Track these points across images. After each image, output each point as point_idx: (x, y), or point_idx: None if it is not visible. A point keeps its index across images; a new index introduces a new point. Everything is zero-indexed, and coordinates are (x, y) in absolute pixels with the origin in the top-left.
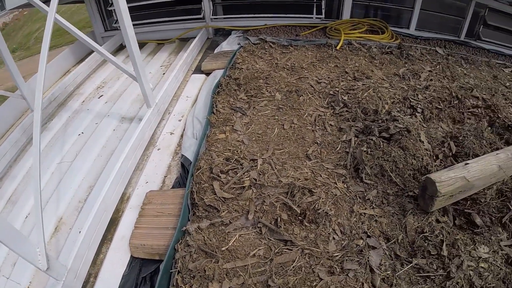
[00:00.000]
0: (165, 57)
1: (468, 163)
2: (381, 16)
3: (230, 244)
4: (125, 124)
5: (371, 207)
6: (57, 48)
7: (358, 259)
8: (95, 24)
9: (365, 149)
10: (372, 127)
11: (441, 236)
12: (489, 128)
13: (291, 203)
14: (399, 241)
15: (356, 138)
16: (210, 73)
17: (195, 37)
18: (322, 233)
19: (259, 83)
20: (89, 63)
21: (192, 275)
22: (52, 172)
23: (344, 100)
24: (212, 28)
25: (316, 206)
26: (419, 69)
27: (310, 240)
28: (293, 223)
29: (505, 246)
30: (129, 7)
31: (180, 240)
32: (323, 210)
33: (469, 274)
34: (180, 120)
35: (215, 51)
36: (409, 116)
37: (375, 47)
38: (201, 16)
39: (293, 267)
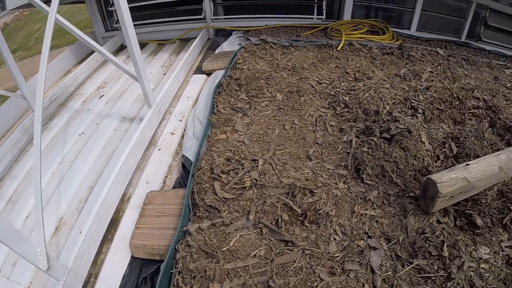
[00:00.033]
0: (166, 58)
1: (469, 164)
2: (382, 17)
3: (231, 244)
4: (125, 124)
5: (372, 207)
6: (57, 48)
7: (359, 260)
8: (95, 24)
9: (366, 150)
10: (373, 127)
11: (442, 237)
12: (490, 129)
13: (292, 203)
14: (400, 242)
15: (357, 139)
16: (211, 73)
17: (196, 38)
18: (323, 233)
19: (260, 84)
20: (90, 63)
21: (192, 276)
22: (53, 172)
23: (345, 100)
24: (213, 29)
25: (317, 206)
26: (420, 70)
27: (311, 240)
28: (294, 224)
29: (506, 247)
30: (130, 8)
31: (181, 241)
32: (324, 211)
33: (470, 275)
34: (181, 120)
35: (216, 52)
36: (410, 117)
37: (376, 48)
38: (202, 16)
39: (294, 267)
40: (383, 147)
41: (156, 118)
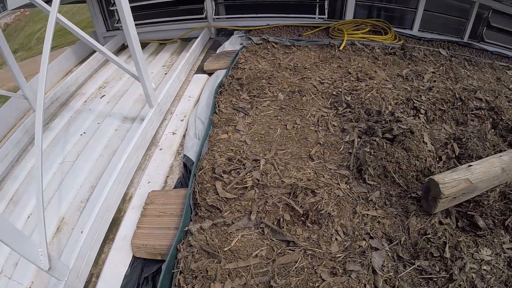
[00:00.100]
0: (167, 57)
1: (471, 165)
2: (384, 16)
3: (232, 244)
4: (127, 124)
5: (374, 208)
6: (59, 49)
7: (360, 260)
8: (97, 24)
9: (368, 150)
10: (375, 128)
11: (444, 238)
12: (493, 130)
13: (294, 203)
14: (401, 243)
15: (359, 139)
16: (213, 73)
17: (197, 37)
18: (325, 234)
19: (261, 83)
20: (91, 63)
21: (194, 276)
22: (54, 172)
23: (347, 100)
24: (215, 28)
25: (319, 206)
26: (422, 70)
27: (313, 241)
28: (296, 224)
29: (508, 248)
30: (131, 7)
31: (182, 240)
32: (326, 211)
33: (472, 276)
34: (182, 120)
35: (218, 51)
36: (412, 117)
37: (378, 48)
38: (203, 16)
39: (295, 267)
40: (385, 147)
41: (157, 117)
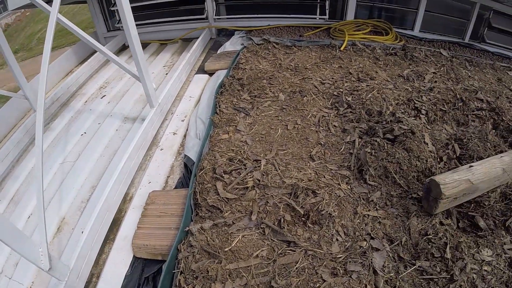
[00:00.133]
0: (168, 57)
1: (472, 166)
2: (385, 17)
3: (233, 244)
4: (127, 124)
5: (375, 208)
6: (59, 49)
7: (361, 261)
8: (97, 24)
9: (369, 151)
10: (376, 128)
11: (445, 238)
12: (494, 130)
13: (295, 204)
14: (402, 243)
15: (360, 139)
16: (213, 73)
17: (198, 37)
18: (326, 234)
19: (262, 84)
20: (92, 64)
21: (195, 276)
22: (55, 172)
23: (348, 101)
24: (215, 28)
25: (320, 207)
26: (423, 71)
27: (314, 241)
28: (297, 224)
29: (509, 249)
30: (132, 7)
31: (183, 241)
32: (327, 211)
33: (473, 277)
34: (183, 120)
35: (218, 51)
36: (413, 118)
37: (379, 48)
38: (204, 16)
39: (296, 268)
40: (386, 148)
41: (158, 118)
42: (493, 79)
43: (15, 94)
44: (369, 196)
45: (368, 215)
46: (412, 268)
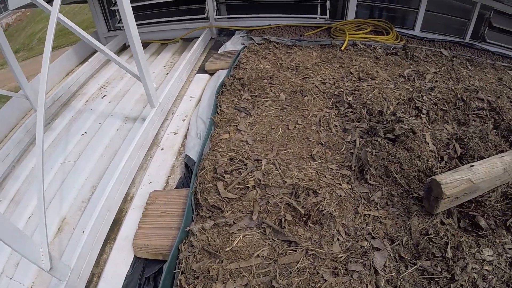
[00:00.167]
0: (169, 57)
1: (473, 165)
2: (386, 17)
3: (234, 244)
4: (128, 124)
5: (376, 208)
6: (60, 49)
7: (362, 261)
8: (98, 24)
9: (370, 150)
10: (377, 128)
11: (446, 238)
12: (494, 130)
13: (296, 203)
14: (403, 243)
15: (361, 139)
16: (214, 73)
17: (198, 37)
18: (327, 234)
19: (263, 83)
20: (92, 63)
21: (195, 276)
22: (56, 172)
23: (349, 100)
24: (216, 28)
25: (321, 207)
26: (424, 71)
27: (315, 241)
28: (298, 224)
29: (510, 249)
30: (132, 7)
31: (184, 241)
32: (328, 211)
33: (474, 276)
34: (183, 120)
35: (219, 51)
36: (414, 118)
37: (380, 48)
38: (204, 16)
39: (297, 268)
40: (387, 147)
41: (159, 117)
42: (493, 78)
43: (16, 94)
44: (370, 195)
45: (369, 214)
46: (413, 267)
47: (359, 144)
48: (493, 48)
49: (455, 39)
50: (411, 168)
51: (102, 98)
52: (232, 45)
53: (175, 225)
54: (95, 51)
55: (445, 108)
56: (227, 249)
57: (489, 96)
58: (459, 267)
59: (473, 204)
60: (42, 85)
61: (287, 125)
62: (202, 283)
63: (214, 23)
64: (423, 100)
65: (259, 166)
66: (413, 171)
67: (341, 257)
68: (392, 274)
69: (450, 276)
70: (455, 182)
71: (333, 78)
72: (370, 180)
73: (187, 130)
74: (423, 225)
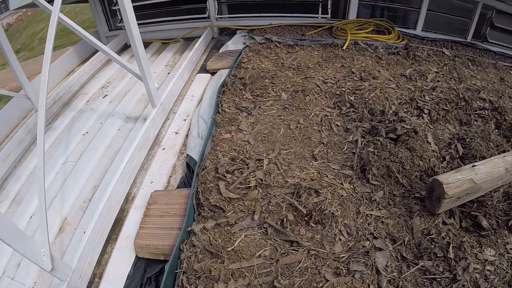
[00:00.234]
0: (170, 57)
1: (475, 165)
2: (387, 16)
3: (235, 244)
4: (129, 123)
5: (378, 208)
6: (61, 49)
7: (364, 261)
8: (99, 23)
9: (371, 150)
10: (379, 127)
11: (448, 238)
12: (496, 130)
13: (297, 203)
14: (405, 243)
15: (362, 139)
16: (215, 72)
17: (200, 37)
18: (328, 234)
19: (264, 83)
20: (93, 63)
21: (197, 276)
22: (57, 172)
23: (351, 100)
24: (217, 28)
25: (322, 206)
26: (426, 70)
27: (316, 241)
28: (299, 224)
29: (511, 249)
30: (133, 7)
31: (186, 240)
32: (329, 211)
33: (475, 277)
34: (185, 120)
35: (220, 51)
36: (416, 117)
37: (382, 48)
38: (206, 15)
39: (299, 268)
40: (389, 147)
41: (160, 117)
42: (495, 78)
43: (17, 94)
44: (372, 195)
45: (371, 214)
46: (415, 267)
47: (361, 143)
48: (495, 48)
49: (457, 38)
50: (413, 168)
51: (103, 98)
52: (234, 44)
53: (177, 225)
54: (96, 51)
55: (447, 108)
56: (229, 249)
57: (491, 96)
58: (461, 267)
59: (475, 204)
60: (43, 85)
61: (289, 125)
62: (204, 283)
63: (215, 23)
64: (425, 99)
65: (261, 166)
66: (415, 171)
67: (343, 257)
68: (394, 274)
69: (452, 276)
70: (457, 182)
71: (334, 77)
72: (372, 180)
73: (189, 129)
74: (425, 225)
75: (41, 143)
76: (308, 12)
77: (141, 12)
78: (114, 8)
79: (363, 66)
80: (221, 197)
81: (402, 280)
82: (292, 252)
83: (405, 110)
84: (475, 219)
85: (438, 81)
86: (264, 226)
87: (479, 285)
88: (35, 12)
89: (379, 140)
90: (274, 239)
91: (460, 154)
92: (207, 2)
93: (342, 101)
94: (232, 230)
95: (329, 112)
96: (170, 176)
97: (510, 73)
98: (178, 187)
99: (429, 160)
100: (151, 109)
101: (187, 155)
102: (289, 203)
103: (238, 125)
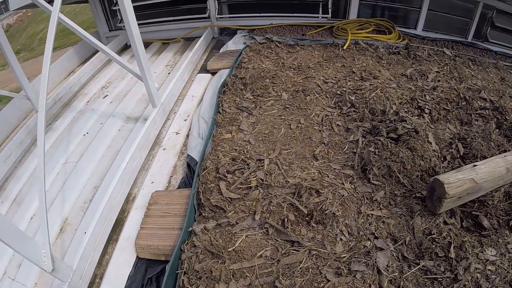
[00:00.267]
0: (170, 57)
1: (476, 165)
2: (388, 16)
3: (236, 244)
4: (130, 124)
5: (379, 208)
6: (61, 49)
7: (365, 261)
8: (99, 24)
9: (372, 150)
10: (380, 127)
11: (449, 238)
12: (497, 130)
13: (298, 203)
14: (406, 243)
15: (363, 139)
16: (216, 72)
17: (200, 37)
18: (329, 234)
19: (265, 83)
20: (94, 63)
21: (198, 276)
22: (57, 173)
23: (352, 100)
24: (218, 28)
25: (323, 206)
26: (426, 70)
27: (317, 241)
28: (300, 224)
29: None
30: (134, 7)
31: (186, 241)
32: (330, 211)
33: (477, 276)
34: (185, 120)
35: (221, 51)
36: (416, 117)
37: (382, 47)
38: (206, 15)
39: (300, 268)
40: (390, 147)
41: (160, 117)
42: (496, 78)
43: (17, 95)
44: (372, 195)
45: (372, 214)
46: (416, 267)
47: (362, 143)
48: (495, 47)
49: (458, 38)
50: (414, 167)
51: (103, 98)
52: (234, 44)
53: (178, 226)
54: (96, 51)
55: (447, 108)
56: (230, 249)
57: (492, 96)
58: (462, 267)
59: (476, 204)
60: (43, 85)
61: (290, 125)
62: (205, 283)
63: (216, 23)
64: (426, 99)
65: (262, 166)
66: (416, 170)
67: (344, 257)
68: (395, 274)
69: (453, 276)
70: (458, 181)
71: (335, 77)
72: (373, 180)
73: (189, 130)
74: (426, 224)
75: (41, 144)
76: (308, 12)
77: (141, 12)
78: (114, 8)
79: (363, 66)
80: (222, 197)
81: (403, 280)
82: (293, 252)
83: (406, 109)
84: (476, 219)
85: (439, 80)
86: (265, 226)
87: (480, 285)
88: (35, 12)
89: (380, 140)
90: (275, 239)
91: (461, 154)
92: (208, 2)
93: (343, 101)
94: (233, 231)
95: (330, 112)
96: (170, 176)
97: (511, 72)
98: (178, 187)
99: (430, 160)
100: (151, 109)
101: (188, 155)
102: (290, 203)
103: (238, 125)
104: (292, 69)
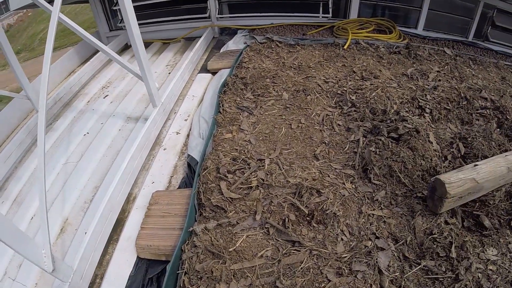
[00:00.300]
0: (171, 57)
1: (477, 165)
2: (388, 15)
3: (237, 245)
4: (130, 124)
5: (380, 208)
6: (61, 49)
7: (366, 261)
8: (99, 24)
9: (373, 149)
10: (381, 127)
11: (450, 238)
12: (498, 129)
13: (299, 203)
14: (407, 243)
15: (364, 138)
16: (216, 72)
17: (200, 37)
18: (330, 234)
19: (266, 82)
20: (94, 63)
21: (199, 276)
22: (58, 173)
23: (352, 99)
24: (218, 27)
25: (324, 206)
26: (427, 69)
27: (318, 241)
28: (301, 224)
29: None
30: (134, 7)
31: (187, 241)
32: (331, 211)
33: (478, 276)
34: (186, 120)
35: (221, 50)
36: (417, 117)
37: (383, 47)
38: (206, 15)
39: (301, 268)
40: (390, 146)
41: (161, 117)
42: (497, 77)
43: (17, 95)
44: (373, 195)
45: (373, 214)
46: (417, 267)
47: (363, 143)
48: (496, 47)
49: (458, 38)
50: (414, 167)
51: (104, 98)
52: (234, 44)
53: (178, 226)
54: (97, 51)
55: (448, 107)
56: (231, 249)
57: (493, 95)
58: (464, 266)
59: (477, 204)
60: (43, 85)
61: (290, 125)
62: (206, 283)
63: (216, 22)
64: (427, 99)
65: (262, 166)
66: (417, 170)
67: (345, 257)
68: (396, 274)
69: (454, 276)
70: (459, 181)
71: (336, 77)
72: (373, 180)
73: (190, 129)
74: (427, 224)
75: (41, 144)
76: (309, 12)
77: (142, 12)
78: (114, 8)
79: (364, 65)
80: (223, 197)
81: (404, 280)
82: (294, 252)
83: (406, 109)
84: (477, 218)
85: (439, 80)
86: (266, 226)
87: (481, 284)
88: (35, 12)
89: (380, 140)
90: (276, 239)
91: (462, 154)
92: (208, 1)
93: (344, 100)
94: (234, 231)
95: (330, 111)
96: (171, 176)
97: None
98: (179, 187)
99: (431, 160)
100: (152, 109)
101: (188, 155)
102: (291, 203)
103: (239, 125)
104: (292, 69)
